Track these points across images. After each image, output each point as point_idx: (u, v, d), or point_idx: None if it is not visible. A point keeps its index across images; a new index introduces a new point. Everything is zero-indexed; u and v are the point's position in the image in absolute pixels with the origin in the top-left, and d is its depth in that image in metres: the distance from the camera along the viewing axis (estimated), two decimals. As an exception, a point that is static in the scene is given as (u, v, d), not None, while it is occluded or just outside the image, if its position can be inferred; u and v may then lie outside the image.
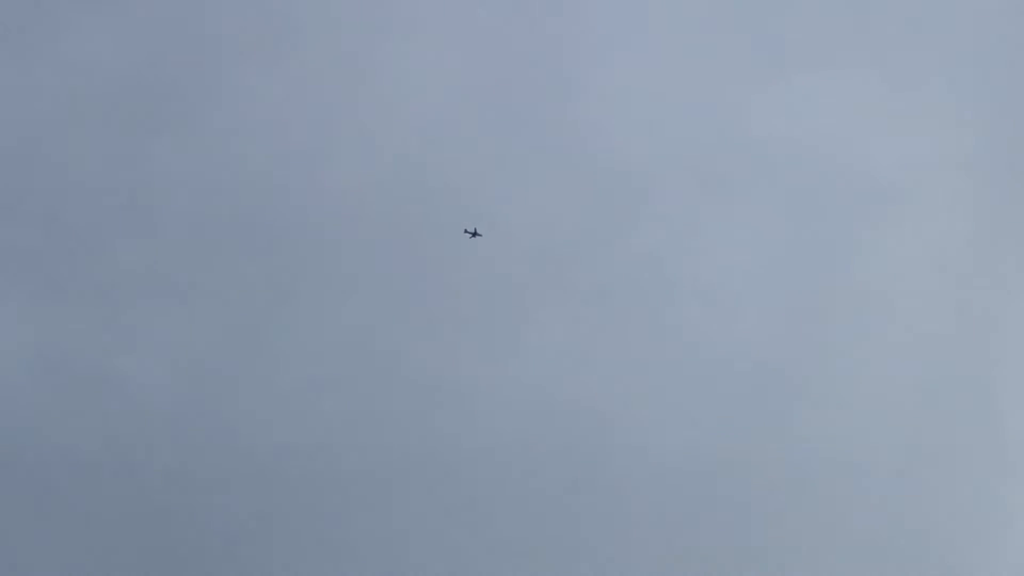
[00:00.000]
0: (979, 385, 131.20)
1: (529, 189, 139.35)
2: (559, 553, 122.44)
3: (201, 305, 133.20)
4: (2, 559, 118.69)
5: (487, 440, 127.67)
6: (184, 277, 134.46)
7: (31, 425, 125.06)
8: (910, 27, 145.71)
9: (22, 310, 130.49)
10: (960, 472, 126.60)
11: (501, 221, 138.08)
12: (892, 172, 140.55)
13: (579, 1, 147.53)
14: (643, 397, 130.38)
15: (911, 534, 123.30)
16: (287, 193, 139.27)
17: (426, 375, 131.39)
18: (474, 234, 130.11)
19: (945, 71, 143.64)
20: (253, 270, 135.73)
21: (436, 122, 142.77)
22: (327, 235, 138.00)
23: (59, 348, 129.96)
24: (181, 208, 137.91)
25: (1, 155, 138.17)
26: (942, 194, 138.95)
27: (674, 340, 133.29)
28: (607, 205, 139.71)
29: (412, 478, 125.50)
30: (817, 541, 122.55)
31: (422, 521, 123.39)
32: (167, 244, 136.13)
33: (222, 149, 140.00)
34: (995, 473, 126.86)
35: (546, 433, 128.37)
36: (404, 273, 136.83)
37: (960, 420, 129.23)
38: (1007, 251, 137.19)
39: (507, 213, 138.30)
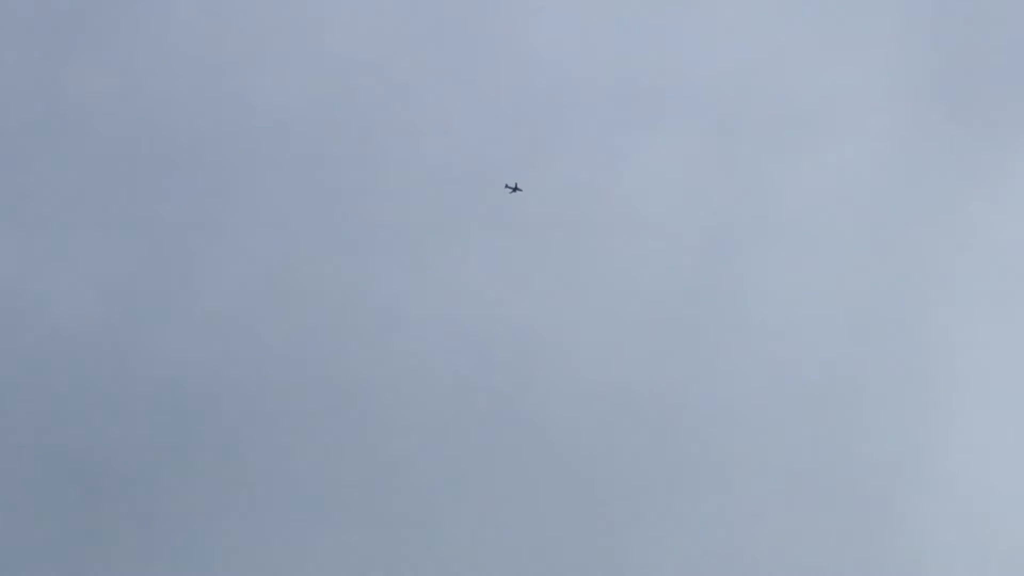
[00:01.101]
0: (902, 313, 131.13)
1: (450, 112, 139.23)
2: (480, 478, 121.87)
3: (123, 228, 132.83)
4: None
5: (410, 365, 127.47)
6: (106, 200, 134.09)
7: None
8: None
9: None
10: (886, 400, 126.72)
11: (421, 145, 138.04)
12: (817, 99, 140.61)
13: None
14: (567, 323, 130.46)
15: (836, 462, 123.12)
16: (210, 114, 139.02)
17: (349, 299, 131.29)
18: (515, 189, 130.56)
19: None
20: (176, 192, 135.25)
21: (356, 45, 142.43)
22: (251, 157, 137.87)
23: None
24: (103, 129, 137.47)
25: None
26: (866, 121, 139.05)
27: (597, 266, 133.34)
28: (529, 130, 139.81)
29: (334, 402, 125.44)
30: (741, 467, 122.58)
31: (344, 445, 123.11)
32: (88, 166, 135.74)
33: (144, 69, 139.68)
34: (920, 400, 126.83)
35: (469, 359, 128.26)
36: (328, 197, 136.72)
37: (884, 350, 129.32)
38: (932, 178, 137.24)
39: (428, 136, 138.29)
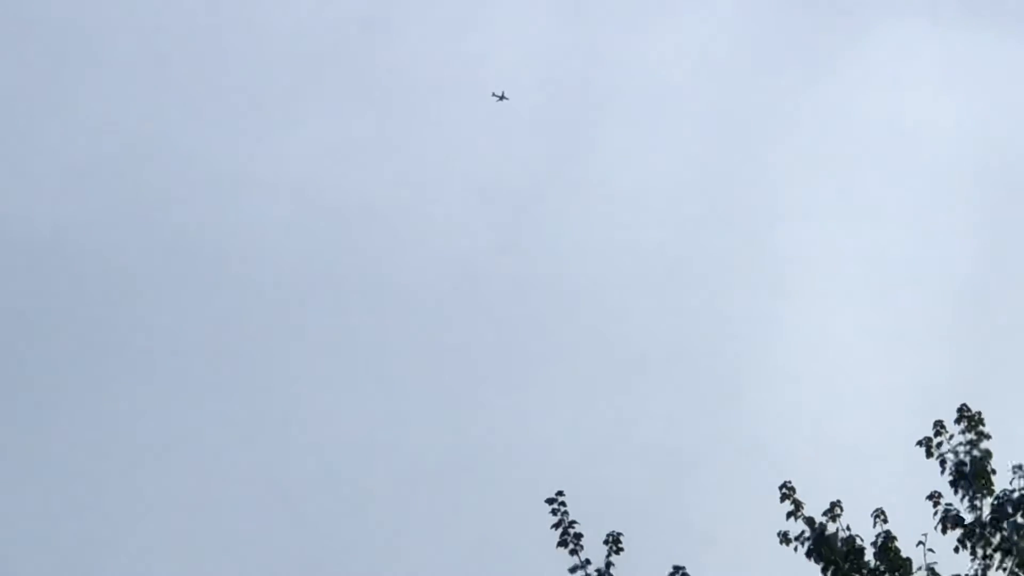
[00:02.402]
0: (755, 192, 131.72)
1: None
2: (330, 342, 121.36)
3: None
4: None
5: (252, 233, 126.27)
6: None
7: None
8: None
9: None
10: (728, 283, 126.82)
11: (272, 12, 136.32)
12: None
13: None
14: (414, 195, 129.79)
15: (674, 347, 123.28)
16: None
17: (192, 161, 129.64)
18: (501, 97, 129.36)
19: None
20: (26, 51, 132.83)
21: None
22: (102, 18, 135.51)
23: None
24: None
25: None
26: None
27: (448, 131, 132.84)
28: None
29: (174, 266, 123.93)
30: (585, 345, 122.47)
31: (182, 310, 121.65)
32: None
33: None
34: (764, 285, 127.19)
35: (315, 228, 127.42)
36: (172, 60, 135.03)
37: (729, 231, 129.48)
38: (789, 50, 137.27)
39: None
